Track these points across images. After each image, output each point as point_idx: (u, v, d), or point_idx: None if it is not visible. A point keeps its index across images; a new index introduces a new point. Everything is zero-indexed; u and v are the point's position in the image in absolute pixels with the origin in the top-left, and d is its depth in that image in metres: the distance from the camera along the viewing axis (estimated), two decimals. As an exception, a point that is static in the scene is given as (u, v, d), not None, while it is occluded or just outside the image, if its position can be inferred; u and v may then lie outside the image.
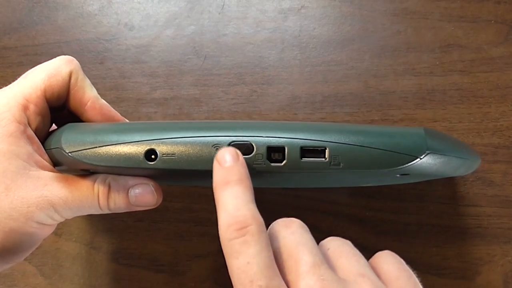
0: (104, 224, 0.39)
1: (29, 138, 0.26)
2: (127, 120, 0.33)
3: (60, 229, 0.39)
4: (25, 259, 0.39)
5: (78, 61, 0.30)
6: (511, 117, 0.37)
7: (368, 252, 0.37)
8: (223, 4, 0.40)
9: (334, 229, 0.37)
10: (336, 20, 0.39)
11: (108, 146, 0.26)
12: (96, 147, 0.26)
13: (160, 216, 0.38)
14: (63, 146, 0.26)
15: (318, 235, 0.38)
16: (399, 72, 0.38)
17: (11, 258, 0.27)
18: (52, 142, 0.27)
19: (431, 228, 0.37)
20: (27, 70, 0.29)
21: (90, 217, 0.39)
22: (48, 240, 0.39)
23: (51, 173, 0.27)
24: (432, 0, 0.39)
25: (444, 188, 0.37)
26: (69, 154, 0.26)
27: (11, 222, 0.25)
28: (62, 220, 0.28)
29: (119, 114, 0.31)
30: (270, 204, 0.38)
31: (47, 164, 0.27)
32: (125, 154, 0.26)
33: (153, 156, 0.26)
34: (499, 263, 0.36)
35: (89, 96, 0.29)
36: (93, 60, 0.40)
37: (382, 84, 0.38)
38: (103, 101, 0.30)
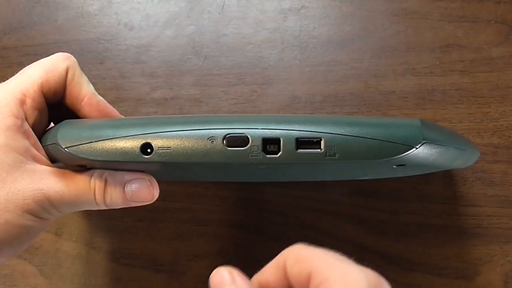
0: (104, 224, 0.39)
1: (26, 133, 0.27)
2: (124, 117, 0.33)
3: (60, 229, 0.39)
4: (25, 259, 0.39)
5: (78, 61, 0.30)
6: (511, 117, 0.37)
7: (368, 252, 0.37)
8: (223, 4, 0.40)
9: (334, 229, 0.37)
10: (336, 20, 0.39)
11: (104, 141, 0.26)
12: (92, 142, 0.26)
13: (160, 216, 0.38)
14: (60, 141, 0.26)
15: (318, 235, 0.38)
16: (399, 72, 0.38)
17: (6, 251, 0.27)
18: (49, 138, 0.27)
19: (431, 228, 0.37)
20: (27, 70, 0.29)
21: (90, 217, 0.39)
22: (48, 240, 0.39)
23: (47, 167, 0.27)
24: (432, 0, 0.39)
25: (444, 188, 0.37)
26: (66, 149, 0.26)
27: (7, 214, 0.25)
28: (59, 215, 0.28)
29: (115, 111, 0.31)
30: (270, 204, 0.38)
31: (43, 158, 0.27)
32: (121, 148, 0.25)
33: (149, 150, 0.25)
34: (499, 263, 0.36)
35: (85, 92, 0.29)
36: (93, 60, 0.40)
37: (382, 84, 0.38)
38: (100, 97, 0.30)
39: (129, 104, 0.39)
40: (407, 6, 0.39)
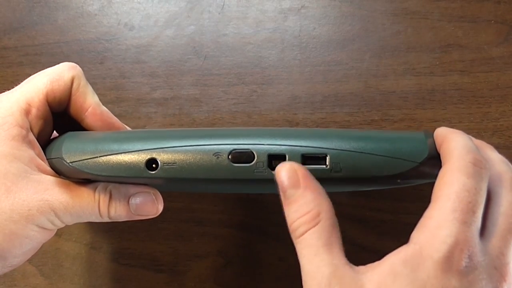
0: (104, 224, 0.39)
1: (30, 143, 0.27)
2: (127, 127, 0.33)
3: (60, 229, 0.39)
4: (25, 259, 0.38)
5: (78, 61, 0.30)
6: (511, 117, 0.37)
7: (368, 252, 0.37)
8: (223, 4, 0.40)
9: (334, 229, 0.37)
10: (336, 20, 0.39)
11: (109, 156, 0.26)
12: (97, 156, 0.26)
13: (160, 216, 0.38)
14: (64, 156, 0.26)
15: (318, 235, 0.38)
16: (399, 72, 0.38)
17: (10, 260, 0.27)
18: (53, 152, 0.27)
19: (431, 228, 0.37)
20: (27, 70, 0.29)
21: (90, 217, 0.39)
22: (48, 240, 0.39)
23: (52, 178, 0.27)
24: (432, 0, 0.39)
25: (444, 188, 0.37)
26: (70, 164, 0.26)
27: (11, 224, 0.25)
28: (62, 225, 0.28)
29: (119, 121, 0.31)
30: (271, 204, 0.38)
31: (48, 168, 0.27)
32: (126, 163, 0.25)
33: (154, 165, 0.25)
34: (499, 263, 0.36)
35: (90, 102, 0.29)
36: (93, 60, 0.40)
37: (382, 84, 0.38)
38: (104, 108, 0.30)
39: (129, 104, 0.39)
40: (407, 6, 0.39)
